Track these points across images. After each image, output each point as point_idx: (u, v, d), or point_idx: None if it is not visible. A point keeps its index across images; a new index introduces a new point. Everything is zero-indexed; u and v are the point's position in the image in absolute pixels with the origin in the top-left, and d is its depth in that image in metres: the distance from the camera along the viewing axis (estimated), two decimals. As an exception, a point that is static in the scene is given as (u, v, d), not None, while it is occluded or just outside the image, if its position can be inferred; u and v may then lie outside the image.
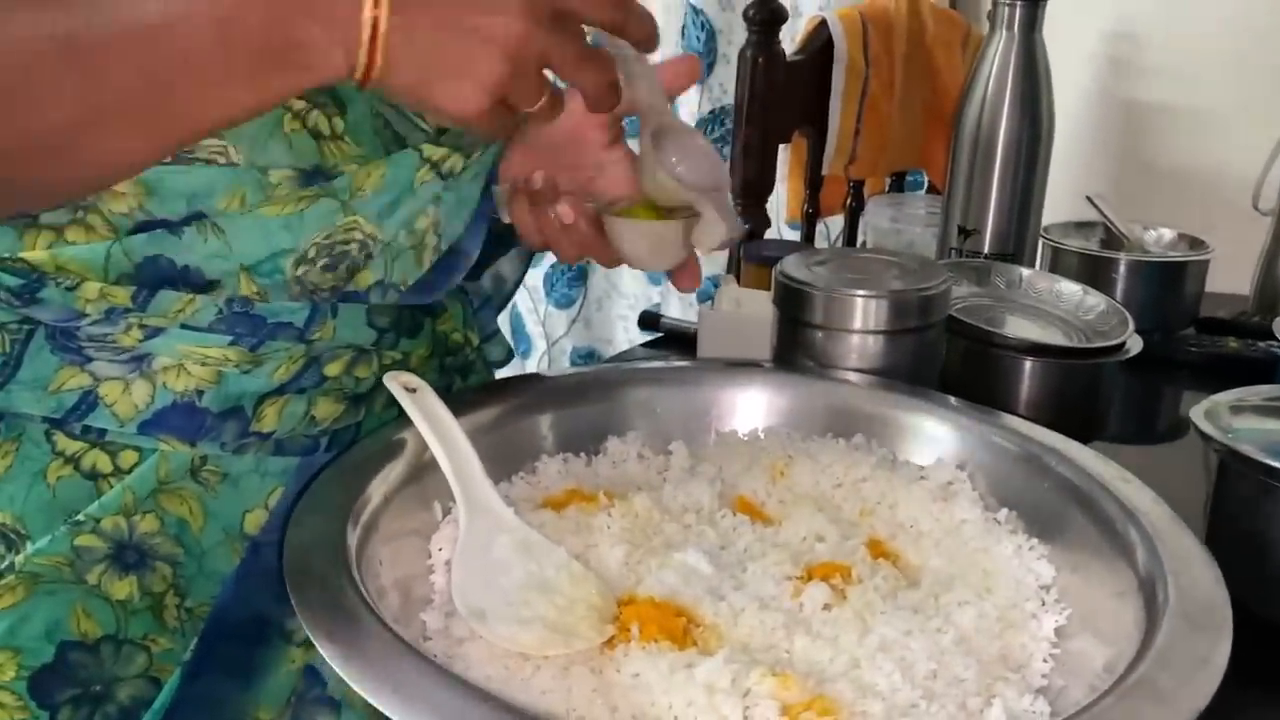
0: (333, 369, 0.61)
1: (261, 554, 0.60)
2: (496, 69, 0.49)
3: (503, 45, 0.49)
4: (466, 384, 0.72)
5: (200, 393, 0.58)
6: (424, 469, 0.59)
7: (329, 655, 0.42)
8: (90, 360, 0.57)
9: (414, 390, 0.61)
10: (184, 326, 0.57)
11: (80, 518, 0.56)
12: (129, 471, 0.57)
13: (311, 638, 0.43)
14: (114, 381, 0.57)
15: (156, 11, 0.46)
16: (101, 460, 0.57)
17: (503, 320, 2.19)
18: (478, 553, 0.55)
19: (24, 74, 0.45)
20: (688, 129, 0.69)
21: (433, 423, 0.59)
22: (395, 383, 0.61)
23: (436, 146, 0.59)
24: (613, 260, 0.68)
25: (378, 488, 0.56)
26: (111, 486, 0.57)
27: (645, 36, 0.57)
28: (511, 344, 2.36)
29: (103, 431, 0.57)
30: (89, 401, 0.56)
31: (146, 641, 0.57)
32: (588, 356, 2.13)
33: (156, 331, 0.57)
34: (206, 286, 0.57)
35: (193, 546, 0.59)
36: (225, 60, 0.47)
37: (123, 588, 0.57)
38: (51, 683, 0.55)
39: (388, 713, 0.39)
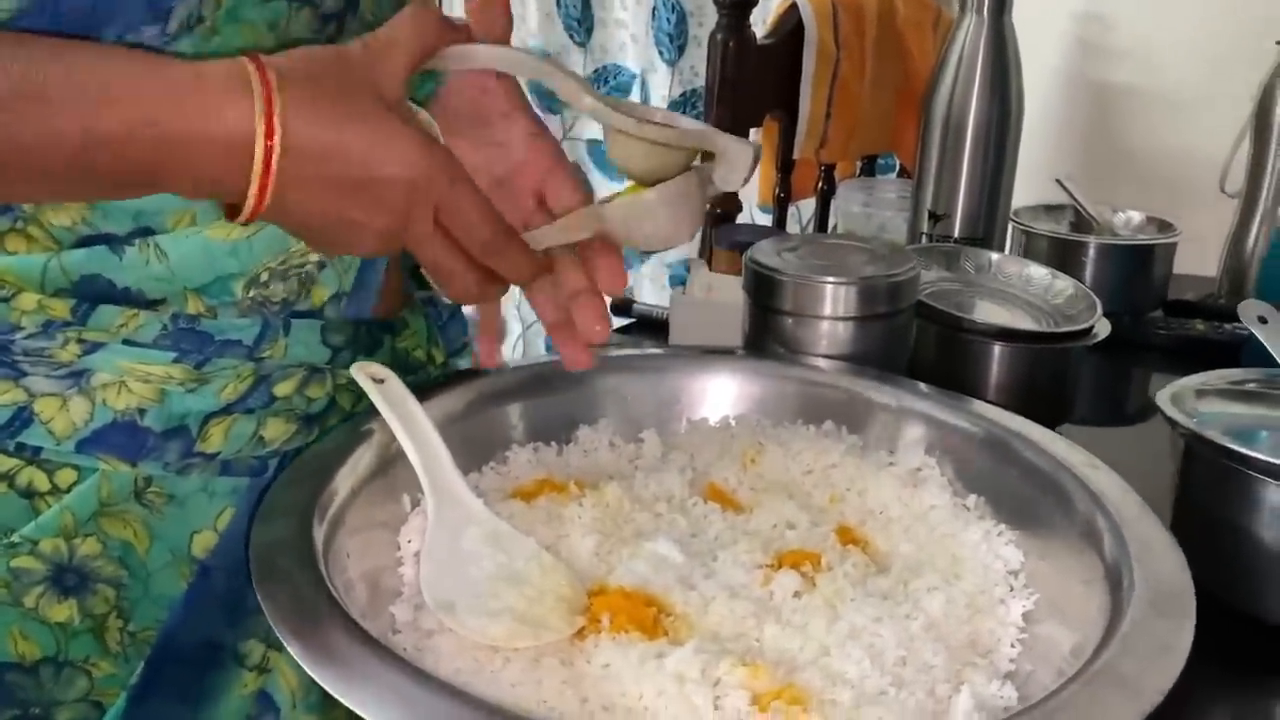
0: (283, 389, 0.59)
1: (211, 578, 0.58)
2: (369, 250, 0.53)
3: (374, 243, 0.51)
4: None
5: (142, 411, 0.55)
6: (392, 461, 0.58)
7: (296, 652, 0.42)
8: (25, 375, 0.54)
9: (382, 381, 0.60)
10: (126, 342, 0.55)
11: (16, 539, 0.54)
12: (67, 490, 0.55)
13: (279, 635, 0.43)
14: (50, 398, 0.54)
15: (31, 133, 0.44)
16: (38, 478, 0.55)
17: (477, 304, 2.19)
18: (446, 545, 0.54)
19: None
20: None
21: (400, 414, 0.58)
22: (363, 374, 0.60)
23: None
24: (620, 267, 0.61)
25: (344, 481, 0.55)
26: (49, 506, 0.55)
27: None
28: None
29: (38, 449, 0.55)
30: (23, 418, 0.54)
31: (87, 665, 0.56)
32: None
33: (96, 346, 0.54)
34: (150, 304, 0.56)
35: (138, 569, 0.57)
36: (80, 181, 0.47)
37: (62, 610, 0.55)
38: None
39: (355, 709, 0.39)
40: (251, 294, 0.57)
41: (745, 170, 0.58)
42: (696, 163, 0.59)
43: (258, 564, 0.47)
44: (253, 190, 0.47)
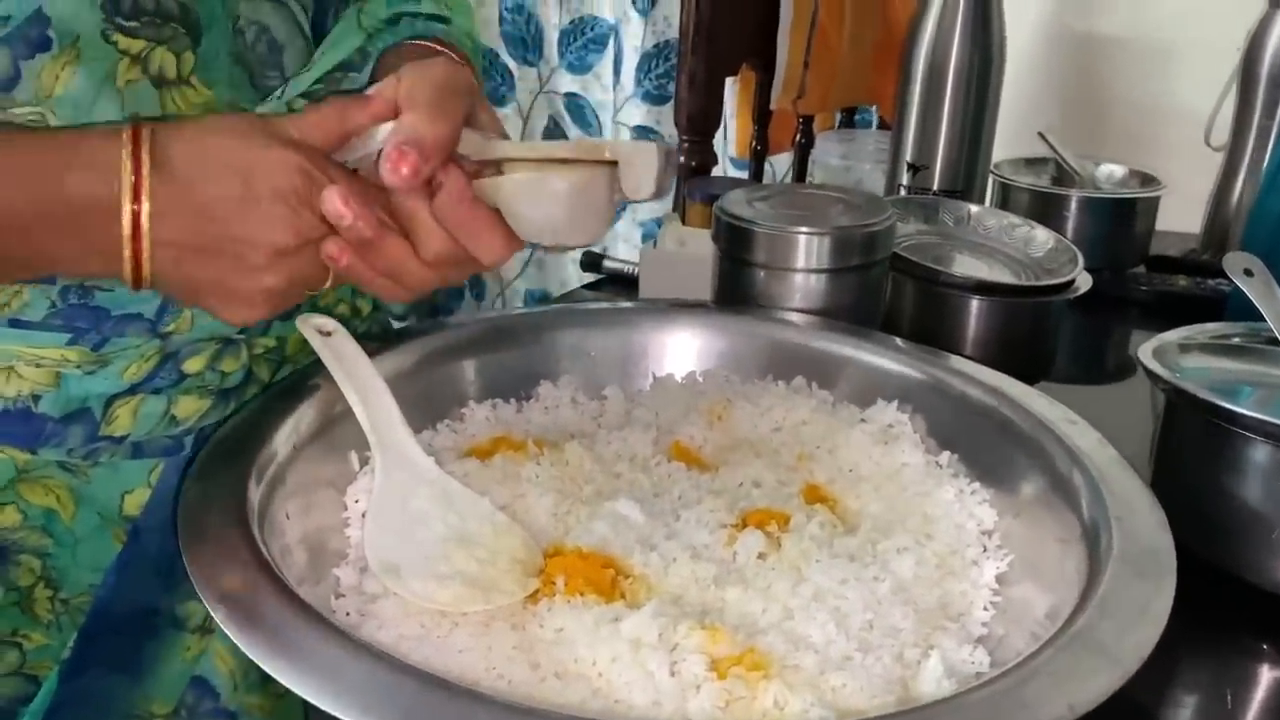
0: (193, 364, 0.55)
1: (144, 540, 0.55)
2: (259, 315, 0.50)
3: (264, 306, 0.50)
4: None
5: (36, 397, 0.52)
6: (338, 418, 0.55)
7: (221, 619, 0.39)
8: None
9: (329, 334, 0.57)
10: (12, 323, 0.51)
11: None
12: None
13: (204, 601, 0.40)
14: None
15: None
16: None
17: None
18: (394, 505, 0.52)
19: None
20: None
21: (347, 368, 0.55)
22: (308, 326, 0.57)
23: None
24: (501, 247, 0.52)
25: (286, 438, 0.52)
26: None
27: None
28: (465, 286, 2.28)
29: None
30: None
31: (17, 638, 0.53)
32: (541, 299, 2.09)
33: None
34: None
35: (63, 536, 0.54)
36: None
37: None
38: None
39: (282, 679, 0.37)
40: None
41: (652, 171, 0.51)
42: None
43: (185, 525, 0.44)
44: (126, 255, 0.46)
